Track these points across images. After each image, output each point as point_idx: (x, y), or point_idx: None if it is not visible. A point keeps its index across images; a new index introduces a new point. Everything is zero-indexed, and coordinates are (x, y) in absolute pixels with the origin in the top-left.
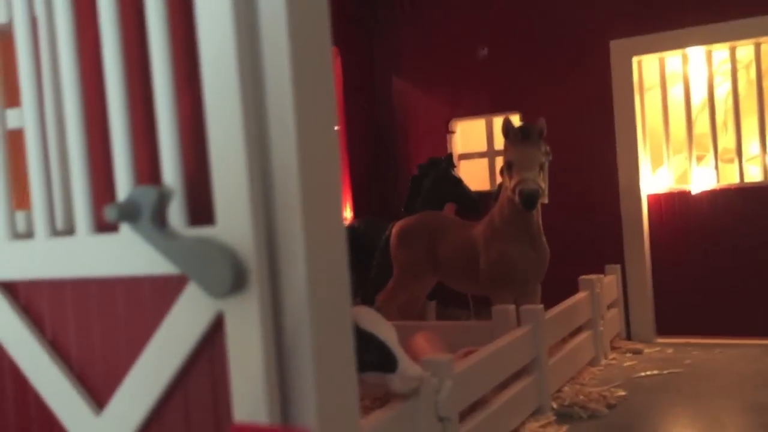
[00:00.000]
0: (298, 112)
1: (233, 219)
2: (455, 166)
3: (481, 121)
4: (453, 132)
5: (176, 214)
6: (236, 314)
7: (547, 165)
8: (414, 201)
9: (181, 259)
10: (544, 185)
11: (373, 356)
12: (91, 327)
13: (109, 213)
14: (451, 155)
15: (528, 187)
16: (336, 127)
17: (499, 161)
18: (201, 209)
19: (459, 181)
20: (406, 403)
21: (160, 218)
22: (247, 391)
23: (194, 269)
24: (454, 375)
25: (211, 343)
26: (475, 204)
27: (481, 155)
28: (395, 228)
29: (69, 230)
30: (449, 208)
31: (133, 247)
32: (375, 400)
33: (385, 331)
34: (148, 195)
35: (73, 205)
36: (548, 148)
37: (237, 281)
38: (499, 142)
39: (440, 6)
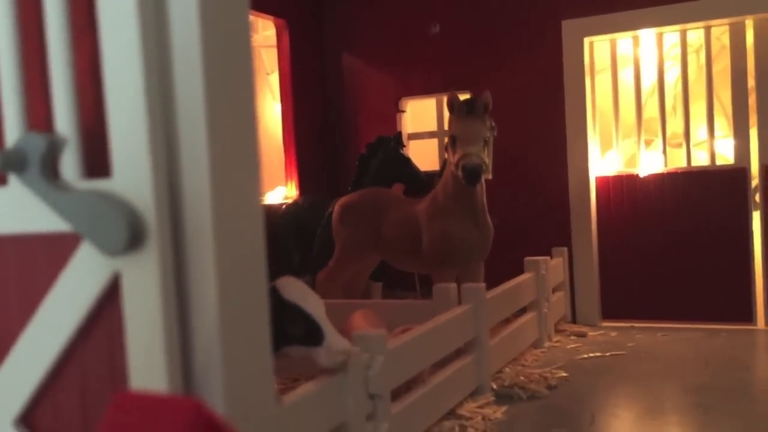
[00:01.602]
0: (206, 57)
1: (131, 171)
2: (404, 146)
3: (432, 100)
4: (403, 111)
5: (70, 165)
6: (134, 275)
7: (492, 140)
8: (362, 180)
9: (71, 214)
10: (488, 160)
11: (298, 328)
12: None
13: None
14: (400, 134)
15: (471, 162)
16: (252, 73)
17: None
18: (98, 161)
19: (408, 161)
20: (333, 378)
21: (51, 170)
22: (146, 359)
23: (86, 225)
24: (387, 351)
25: (108, 306)
26: (423, 184)
27: (431, 135)
28: (337, 205)
29: None
30: (397, 188)
31: (24, 202)
32: (311, 379)
33: (312, 303)
34: (36, 143)
35: None
36: (493, 122)
37: (133, 238)
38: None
39: None
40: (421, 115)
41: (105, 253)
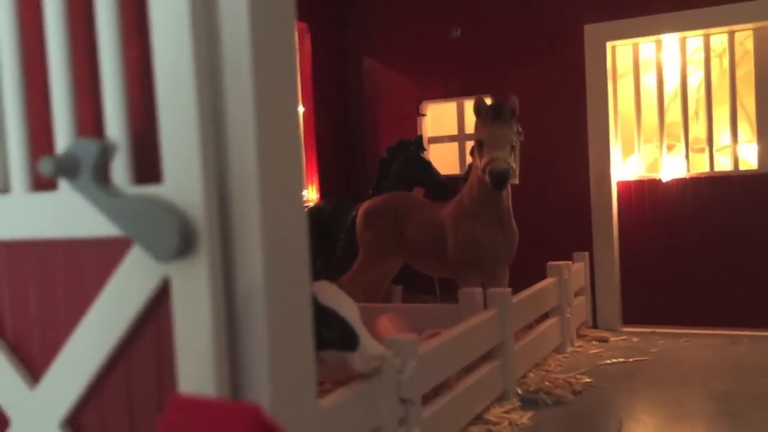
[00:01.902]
0: (256, 64)
1: (182, 177)
2: (425, 149)
3: (452, 104)
4: (423, 115)
5: (120, 170)
6: (183, 280)
7: (518, 145)
8: (382, 184)
9: (123, 219)
10: (515, 165)
11: (333, 333)
12: (26, 293)
13: (45, 166)
14: (420, 138)
15: (498, 167)
16: (297, 85)
17: (470, 146)
18: (148, 166)
19: (428, 165)
20: (367, 382)
21: (102, 175)
22: (194, 363)
23: (137, 230)
24: (418, 356)
25: (157, 311)
26: (443, 188)
27: (451, 139)
28: (362, 208)
29: (3, 188)
30: (418, 192)
31: (73, 207)
32: (337, 383)
33: (347, 307)
34: (88, 149)
35: (8, 161)
36: (520, 127)
37: (184, 244)
38: (470, 126)
39: None
40: (441, 119)
41: (156, 258)
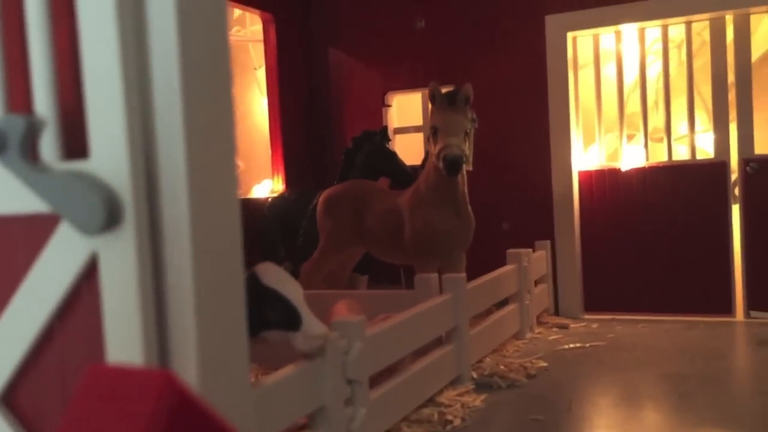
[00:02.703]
0: (183, 35)
1: (108, 152)
2: (390, 140)
3: (418, 94)
4: (389, 105)
5: (49, 146)
6: (111, 255)
7: (473, 132)
8: (347, 174)
9: (50, 195)
10: (468, 151)
11: (276, 313)
12: None
13: None
14: (386, 128)
15: (452, 153)
16: (228, 57)
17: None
18: (76, 142)
19: (393, 155)
20: (312, 362)
21: (30, 151)
22: (123, 338)
23: (64, 205)
24: (366, 338)
25: (86, 287)
26: (409, 178)
27: (416, 129)
28: (322, 196)
29: None
30: (383, 182)
31: (3, 183)
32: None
33: (291, 288)
34: (15, 124)
35: None
36: (474, 114)
37: (110, 218)
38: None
39: None
40: (406, 110)
41: (83, 232)
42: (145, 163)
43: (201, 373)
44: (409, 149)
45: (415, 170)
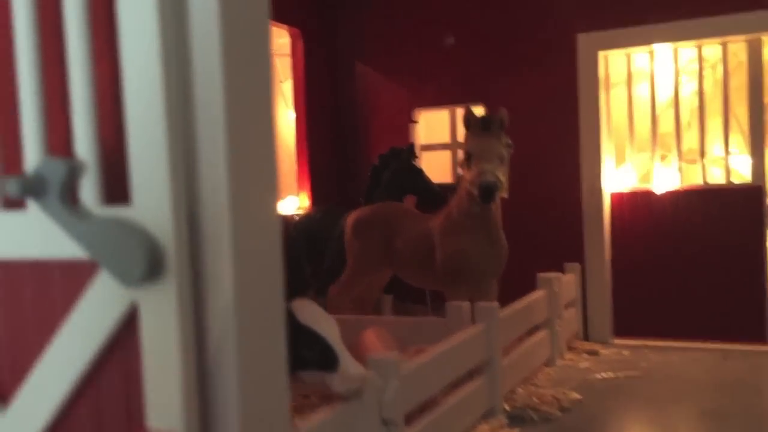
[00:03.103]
0: (228, 83)
1: (151, 198)
2: (417, 157)
3: (445, 111)
4: (416, 122)
5: (89, 191)
6: (152, 306)
7: (508, 157)
8: (374, 192)
9: (90, 243)
10: (503, 178)
11: (312, 353)
12: None
13: (11, 187)
14: (413, 145)
15: (487, 180)
16: (273, 102)
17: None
18: (118, 187)
19: (420, 173)
20: (347, 404)
21: (70, 195)
22: (163, 393)
23: (104, 255)
24: (401, 375)
25: (125, 337)
26: (436, 196)
27: (443, 147)
28: (350, 218)
29: None
30: (410, 200)
31: (42, 227)
32: (324, 397)
33: (327, 326)
34: (56, 169)
35: None
36: (509, 140)
37: (151, 269)
38: (463, 135)
39: None
40: (434, 127)
41: (123, 283)
42: (187, 210)
43: (243, 425)
44: (436, 166)
45: (442, 188)
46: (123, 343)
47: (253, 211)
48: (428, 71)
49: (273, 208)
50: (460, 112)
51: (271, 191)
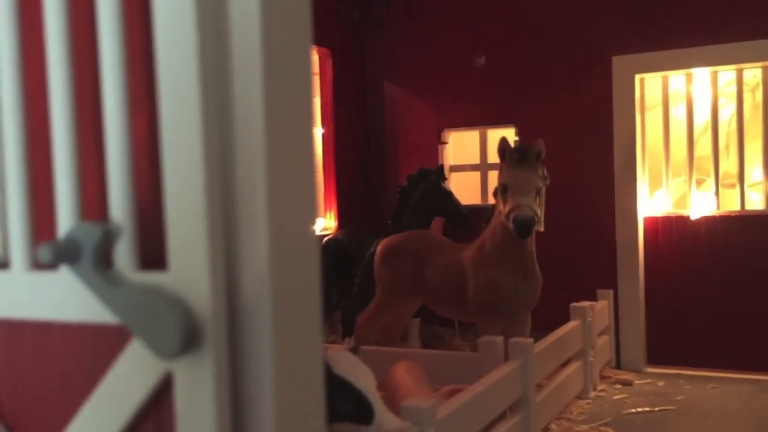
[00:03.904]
0: (270, 145)
1: (188, 264)
2: (446, 179)
3: (475, 132)
4: (445, 143)
5: (124, 255)
6: (187, 376)
7: (543, 190)
8: (402, 213)
9: (124, 311)
10: (540, 212)
11: (347, 406)
12: (25, 375)
13: (43, 254)
14: (442, 167)
15: (523, 214)
16: (315, 168)
17: (492, 175)
18: (153, 252)
19: (449, 194)
20: None
21: (105, 260)
22: None
23: (139, 324)
24: (438, 423)
25: (158, 407)
26: (465, 218)
27: (473, 168)
28: (380, 246)
29: (3, 264)
30: (438, 222)
31: (74, 290)
32: None
33: (363, 377)
34: (90, 234)
35: (8, 237)
36: (545, 171)
37: (187, 341)
38: (493, 156)
39: (437, 12)
40: (463, 147)
41: (157, 354)
42: (226, 277)
43: None
44: (466, 188)
45: (471, 210)
46: (157, 412)
47: (292, 282)
48: (458, 91)
49: (314, 277)
50: (490, 133)
51: (313, 260)
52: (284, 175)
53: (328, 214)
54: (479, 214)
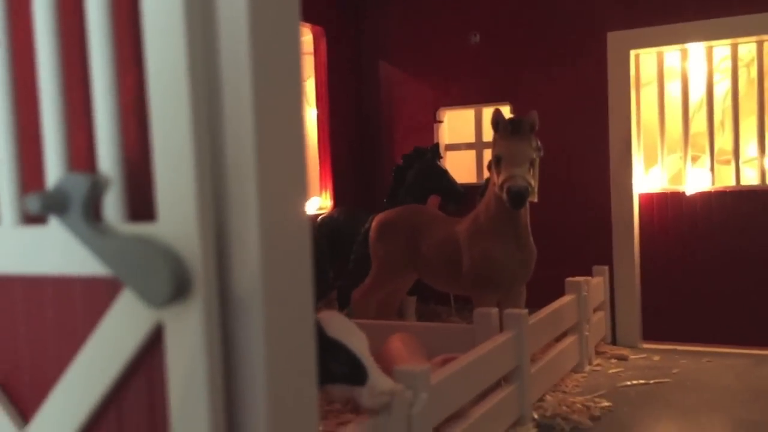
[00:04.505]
0: (257, 93)
1: (177, 214)
2: (441, 157)
3: (470, 111)
4: (440, 121)
5: (113, 207)
6: (177, 326)
7: (537, 161)
8: (397, 192)
9: (114, 261)
10: (533, 183)
11: (341, 367)
12: (16, 330)
13: (32, 204)
14: (437, 145)
15: (516, 185)
16: (303, 111)
17: (488, 153)
18: (142, 202)
19: (444, 173)
20: (375, 419)
21: (93, 211)
22: (189, 415)
23: (129, 274)
24: (430, 387)
25: (149, 357)
26: (460, 197)
27: (468, 146)
28: (375, 221)
29: None
30: (433, 201)
31: (64, 243)
32: (347, 402)
33: (356, 339)
34: (79, 184)
35: None
36: (539, 143)
37: (178, 290)
38: (488, 134)
39: None
40: (458, 126)
41: (148, 304)
42: (215, 226)
43: None
44: (461, 166)
45: (466, 188)
46: (147, 363)
47: (283, 227)
48: (453, 70)
49: (303, 223)
50: (486, 111)
51: (301, 204)
52: (272, 120)
53: (323, 194)
54: (474, 193)
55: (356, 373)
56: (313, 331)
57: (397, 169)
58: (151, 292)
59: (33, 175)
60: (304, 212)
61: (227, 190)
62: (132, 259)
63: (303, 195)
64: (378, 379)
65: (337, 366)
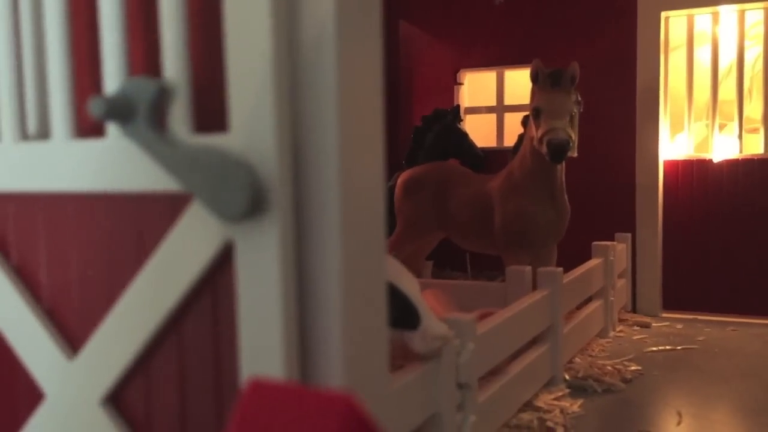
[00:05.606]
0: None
1: (252, 125)
2: (461, 120)
3: (492, 73)
4: (461, 84)
5: (179, 117)
6: (250, 244)
7: (577, 115)
8: (416, 154)
9: (184, 172)
10: (574, 136)
11: (393, 310)
12: (66, 253)
13: (95, 107)
14: (457, 108)
15: (558, 137)
16: (380, 30)
17: (509, 117)
18: (211, 113)
19: (464, 136)
20: (426, 366)
21: (159, 122)
22: (259, 340)
23: (201, 186)
24: (478, 338)
25: (217, 279)
26: (480, 160)
27: (489, 110)
28: (401, 178)
29: (43, 133)
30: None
31: (122, 157)
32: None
33: (408, 283)
34: (145, 89)
35: (48, 103)
36: (579, 96)
37: (253, 204)
38: (510, 97)
39: None
40: (479, 89)
41: (221, 219)
42: (292, 141)
43: (346, 380)
44: (481, 130)
45: (485, 152)
46: (215, 284)
47: (361, 148)
48: (476, 31)
49: (379, 147)
50: (508, 74)
51: (378, 132)
52: (353, 31)
53: None
54: (493, 157)
55: (409, 317)
56: (384, 263)
57: (417, 130)
58: (225, 204)
59: (87, 85)
60: (381, 139)
61: (304, 107)
62: (204, 170)
63: (380, 122)
64: (431, 324)
65: (389, 310)
